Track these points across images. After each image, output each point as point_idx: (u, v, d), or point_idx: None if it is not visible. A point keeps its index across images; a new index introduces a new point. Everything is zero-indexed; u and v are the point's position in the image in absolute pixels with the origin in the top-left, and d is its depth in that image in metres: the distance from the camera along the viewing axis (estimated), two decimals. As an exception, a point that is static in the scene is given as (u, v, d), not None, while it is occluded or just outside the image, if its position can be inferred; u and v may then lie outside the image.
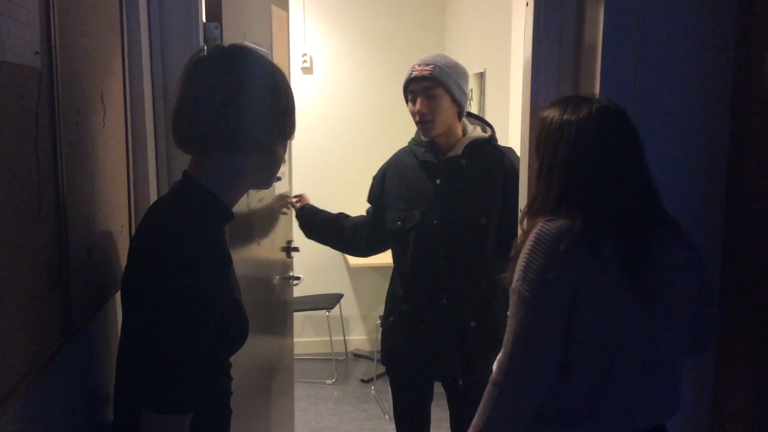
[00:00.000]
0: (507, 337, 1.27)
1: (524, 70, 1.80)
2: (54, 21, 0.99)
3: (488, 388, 1.29)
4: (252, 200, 2.22)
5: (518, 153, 1.93)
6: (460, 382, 2.17)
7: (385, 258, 2.57)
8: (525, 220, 1.38)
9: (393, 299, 2.29)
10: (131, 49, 1.48)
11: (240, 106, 1.09)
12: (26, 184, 0.89)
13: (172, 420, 1.01)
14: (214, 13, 1.68)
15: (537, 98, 1.75)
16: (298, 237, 2.57)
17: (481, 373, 2.14)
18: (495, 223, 2.06)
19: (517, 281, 1.25)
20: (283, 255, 2.51)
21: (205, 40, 1.65)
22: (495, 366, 1.30)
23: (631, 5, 1.58)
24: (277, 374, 2.48)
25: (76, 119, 1.11)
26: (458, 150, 2.12)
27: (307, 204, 2.46)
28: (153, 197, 1.56)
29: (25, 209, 0.89)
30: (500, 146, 2.19)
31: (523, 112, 1.82)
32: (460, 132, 2.16)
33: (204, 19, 1.65)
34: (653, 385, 1.29)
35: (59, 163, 1.01)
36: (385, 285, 2.40)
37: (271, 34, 2.20)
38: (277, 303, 2.46)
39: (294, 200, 2.47)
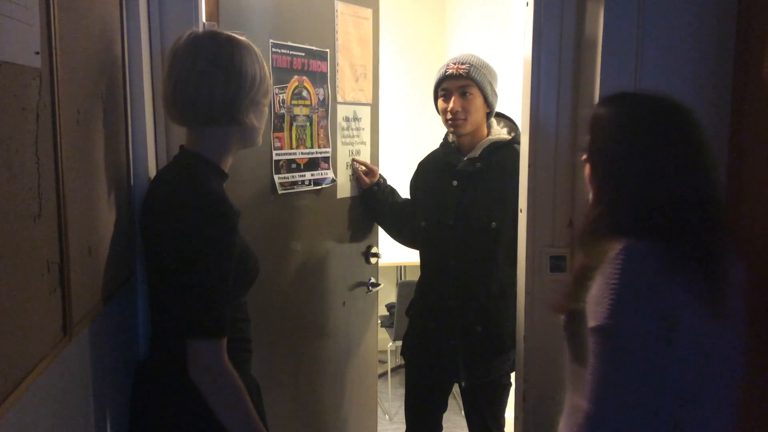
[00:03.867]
0: (598, 382, 1.10)
1: (524, 70, 1.80)
2: (54, 21, 0.98)
3: None
4: (334, 206, 2.24)
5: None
6: (462, 384, 2.17)
7: (384, 258, 2.59)
8: (583, 244, 1.24)
9: (415, 294, 2.33)
10: (131, 49, 1.47)
11: (209, 87, 1.29)
12: (26, 184, 0.89)
13: (210, 343, 1.24)
14: (212, 13, 1.69)
15: (537, 98, 1.75)
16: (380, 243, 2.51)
17: (484, 378, 2.15)
18: (509, 228, 1.99)
19: (606, 318, 1.08)
20: (361, 260, 2.45)
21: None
22: (576, 417, 1.15)
23: (631, 5, 1.58)
24: (360, 371, 2.48)
25: (76, 119, 1.11)
26: (476, 152, 2.12)
27: (380, 180, 2.35)
28: (153, 197, 1.56)
29: (25, 209, 0.89)
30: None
31: (523, 112, 1.82)
32: (484, 133, 2.16)
33: (204, 19, 1.66)
34: (723, 407, 1.19)
35: (59, 163, 1.01)
36: (385, 285, 2.41)
37: (336, 32, 2.17)
38: (357, 307, 2.43)
39: (362, 168, 2.33)
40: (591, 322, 1.12)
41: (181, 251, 1.24)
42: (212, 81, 1.29)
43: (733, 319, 1.19)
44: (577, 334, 1.20)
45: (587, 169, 1.25)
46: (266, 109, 1.43)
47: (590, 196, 1.26)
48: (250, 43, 1.37)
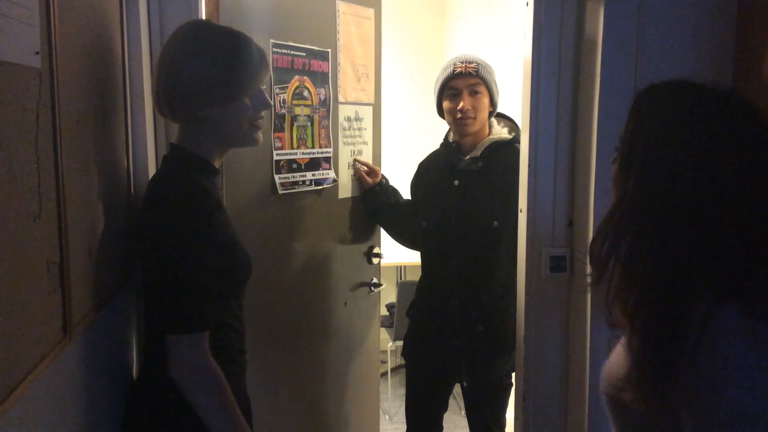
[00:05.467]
0: None
1: (524, 70, 1.80)
2: (54, 21, 0.98)
3: None
4: (336, 206, 2.24)
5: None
6: (465, 384, 2.17)
7: (384, 258, 2.60)
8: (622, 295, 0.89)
9: (416, 294, 2.33)
10: (131, 49, 1.47)
11: (181, 79, 1.26)
12: (26, 184, 0.89)
13: (190, 338, 1.21)
14: (212, 13, 1.69)
15: (537, 98, 1.75)
16: (382, 243, 2.51)
17: (486, 378, 2.15)
18: (511, 227, 1.98)
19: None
20: (363, 260, 2.44)
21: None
22: None
23: (631, 5, 1.58)
24: (361, 371, 2.48)
25: (76, 119, 1.11)
26: (477, 152, 2.13)
27: (382, 180, 2.33)
28: (153, 197, 1.56)
29: (25, 209, 0.89)
30: None
31: (523, 112, 1.82)
32: (485, 132, 2.16)
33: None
34: None
35: (59, 163, 1.01)
36: (385, 285, 2.41)
37: (337, 33, 2.16)
38: (358, 307, 2.42)
39: (364, 169, 2.31)
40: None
41: (157, 245, 1.22)
42: (189, 73, 1.25)
43: None
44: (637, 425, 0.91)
45: (617, 169, 0.96)
46: (246, 106, 1.31)
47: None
48: (243, 34, 1.31)
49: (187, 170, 1.28)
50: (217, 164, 1.36)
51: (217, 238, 1.25)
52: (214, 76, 1.26)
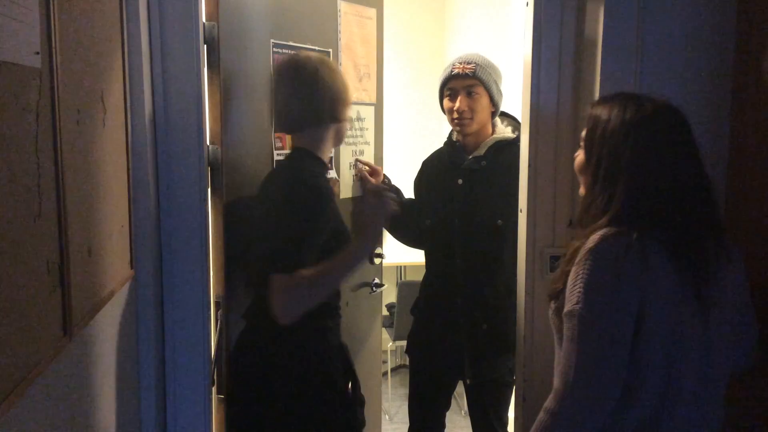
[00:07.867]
0: (566, 363, 1.17)
1: (524, 70, 1.80)
2: (54, 21, 0.98)
3: (541, 417, 1.19)
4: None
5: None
6: (468, 381, 2.18)
7: (384, 258, 2.60)
8: (575, 230, 1.29)
9: (420, 292, 2.33)
10: (131, 49, 1.48)
11: (311, 101, 1.68)
12: (26, 184, 0.89)
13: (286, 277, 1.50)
14: (212, 13, 1.69)
15: (537, 98, 1.75)
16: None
17: (490, 376, 2.15)
18: (515, 226, 1.97)
19: (577, 304, 1.16)
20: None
21: (205, 40, 1.65)
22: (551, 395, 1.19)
23: (631, 5, 1.58)
24: (363, 372, 2.44)
25: (76, 119, 1.11)
26: (481, 150, 2.13)
27: (385, 180, 2.32)
28: (153, 196, 1.56)
29: (25, 209, 0.89)
30: None
31: (523, 112, 1.82)
32: (489, 132, 2.17)
33: (204, 19, 1.65)
34: (706, 402, 1.23)
35: (59, 163, 1.01)
36: (385, 285, 2.41)
37: (339, 32, 2.17)
38: (360, 307, 2.42)
39: (366, 169, 2.30)
40: (566, 306, 1.19)
41: (287, 210, 1.58)
42: (318, 96, 1.67)
43: (721, 312, 1.23)
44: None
45: (581, 161, 1.33)
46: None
47: (582, 187, 1.34)
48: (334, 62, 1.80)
49: (311, 166, 1.70)
50: (326, 159, 1.77)
51: (330, 215, 1.62)
52: (346, 89, 1.76)
